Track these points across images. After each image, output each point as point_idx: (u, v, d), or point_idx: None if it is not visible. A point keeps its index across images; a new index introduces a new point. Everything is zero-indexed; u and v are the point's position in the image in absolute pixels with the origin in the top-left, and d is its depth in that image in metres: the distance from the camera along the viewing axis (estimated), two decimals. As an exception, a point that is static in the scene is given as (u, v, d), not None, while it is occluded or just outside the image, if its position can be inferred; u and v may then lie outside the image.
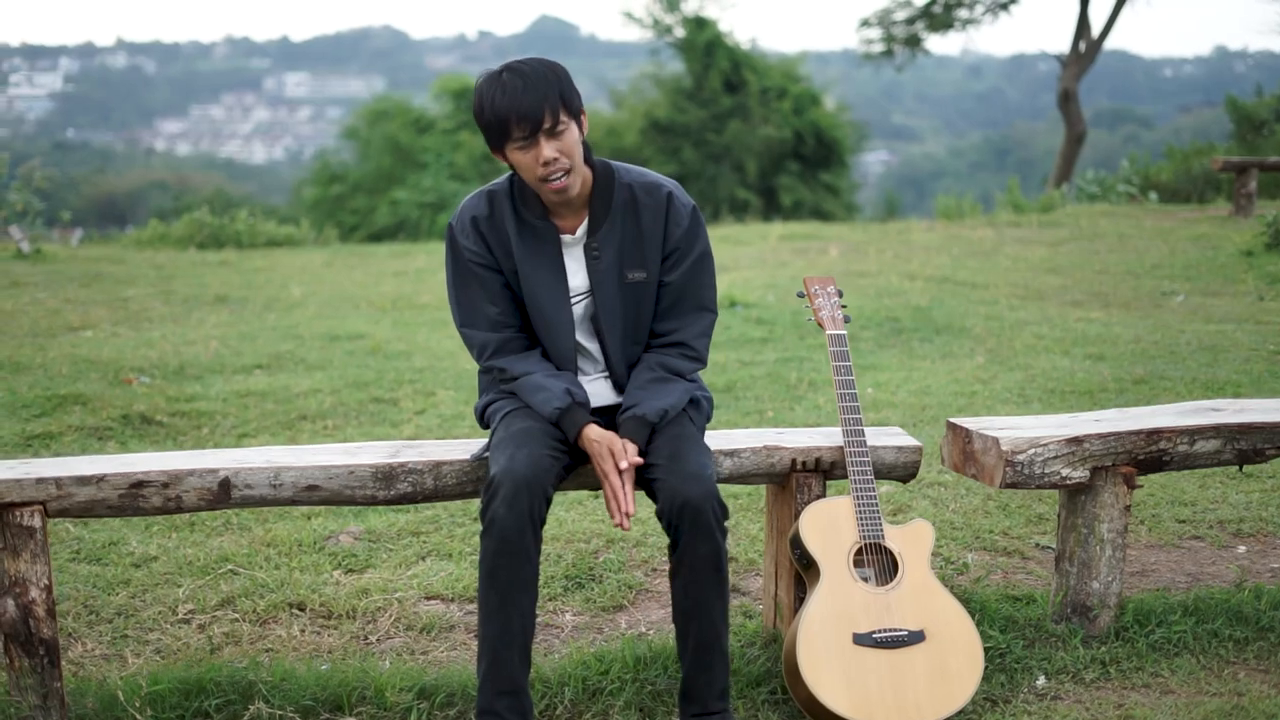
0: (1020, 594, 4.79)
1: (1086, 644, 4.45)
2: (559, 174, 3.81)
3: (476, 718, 3.76)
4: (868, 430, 4.49)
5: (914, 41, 27.20)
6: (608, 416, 4.08)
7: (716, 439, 4.32)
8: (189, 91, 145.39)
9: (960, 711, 4.00)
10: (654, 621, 4.76)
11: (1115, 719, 4.02)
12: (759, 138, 36.77)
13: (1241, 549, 5.44)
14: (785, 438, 4.37)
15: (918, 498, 5.94)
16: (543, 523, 3.79)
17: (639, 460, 3.86)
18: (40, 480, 3.86)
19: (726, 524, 3.86)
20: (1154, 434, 4.47)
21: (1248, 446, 4.59)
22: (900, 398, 7.55)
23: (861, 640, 3.98)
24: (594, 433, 3.89)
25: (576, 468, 4.04)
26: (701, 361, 4.13)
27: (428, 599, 4.99)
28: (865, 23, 27.11)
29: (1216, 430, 4.54)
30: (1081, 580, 4.52)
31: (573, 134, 3.82)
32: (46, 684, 3.90)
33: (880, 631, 3.99)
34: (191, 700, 3.99)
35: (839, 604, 4.02)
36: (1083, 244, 13.76)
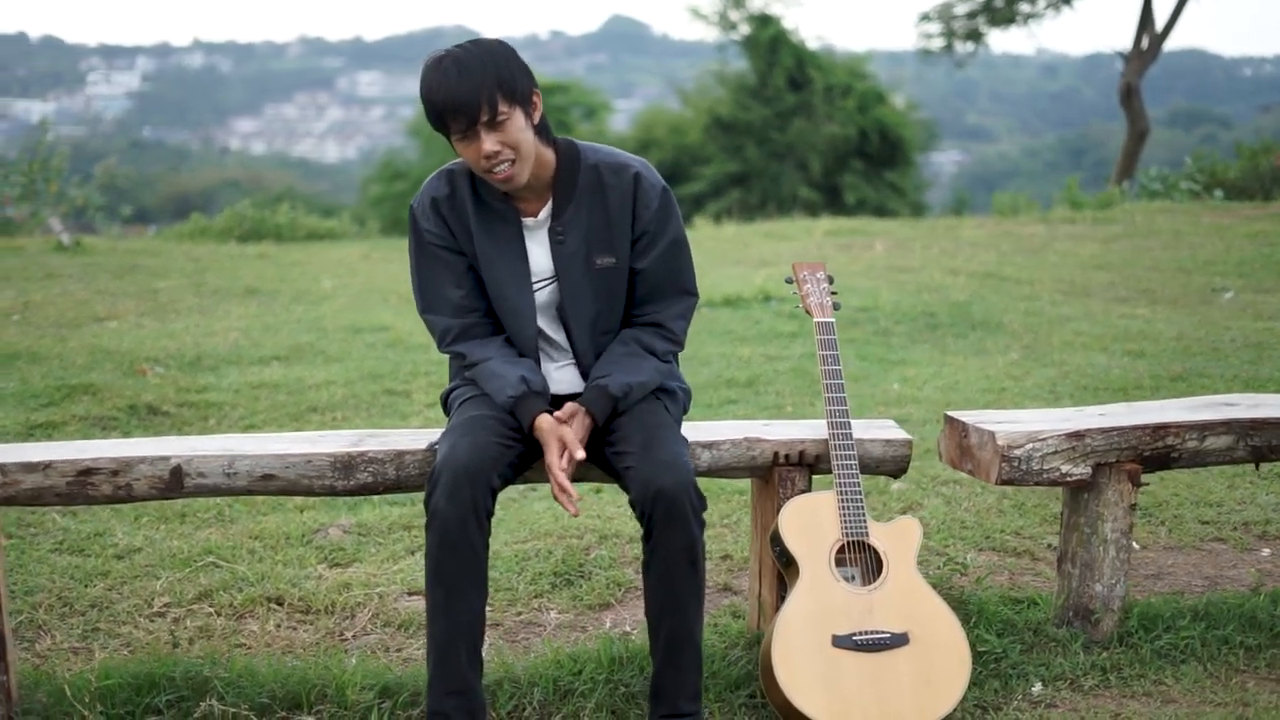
0: (1024, 596, 4.56)
1: (1088, 649, 4.23)
2: (502, 164, 3.63)
3: (428, 718, 3.60)
4: (857, 423, 4.29)
5: (975, 36, 26.83)
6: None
7: (695, 430, 4.14)
8: (263, 91, 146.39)
9: (946, 719, 3.79)
10: (640, 620, 4.57)
11: (1112, 729, 3.80)
12: (823, 135, 36.49)
13: (1266, 552, 5.20)
14: (768, 429, 4.18)
15: (930, 495, 5.73)
16: (489, 515, 3.61)
17: (582, 456, 3.68)
18: (-15, 467, 3.73)
19: (704, 515, 3.68)
20: (1160, 429, 4.24)
21: (1262, 443, 4.36)
22: (926, 394, 7.33)
23: (841, 643, 3.78)
24: (544, 423, 3.72)
25: (536, 458, 3.86)
26: (678, 344, 3.94)
27: (410, 594, 4.84)
28: (925, 17, 26.76)
29: (1227, 426, 4.31)
30: (1084, 582, 4.30)
31: (516, 122, 3.61)
32: (-8, 677, 3.77)
33: (861, 634, 3.79)
34: (143, 696, 3.85)
35: (818, 604, 3.83)
36: (1136, 240, 13.45)
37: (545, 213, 3.82)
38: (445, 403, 4.03)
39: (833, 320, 4.22)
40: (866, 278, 11.20)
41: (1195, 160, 19.04)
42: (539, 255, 3.83)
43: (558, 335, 3.91)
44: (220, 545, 5.21)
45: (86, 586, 4.85)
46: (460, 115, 3.55)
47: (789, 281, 4.38)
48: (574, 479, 3.97)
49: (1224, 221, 14.65)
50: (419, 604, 4.73)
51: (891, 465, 4.19)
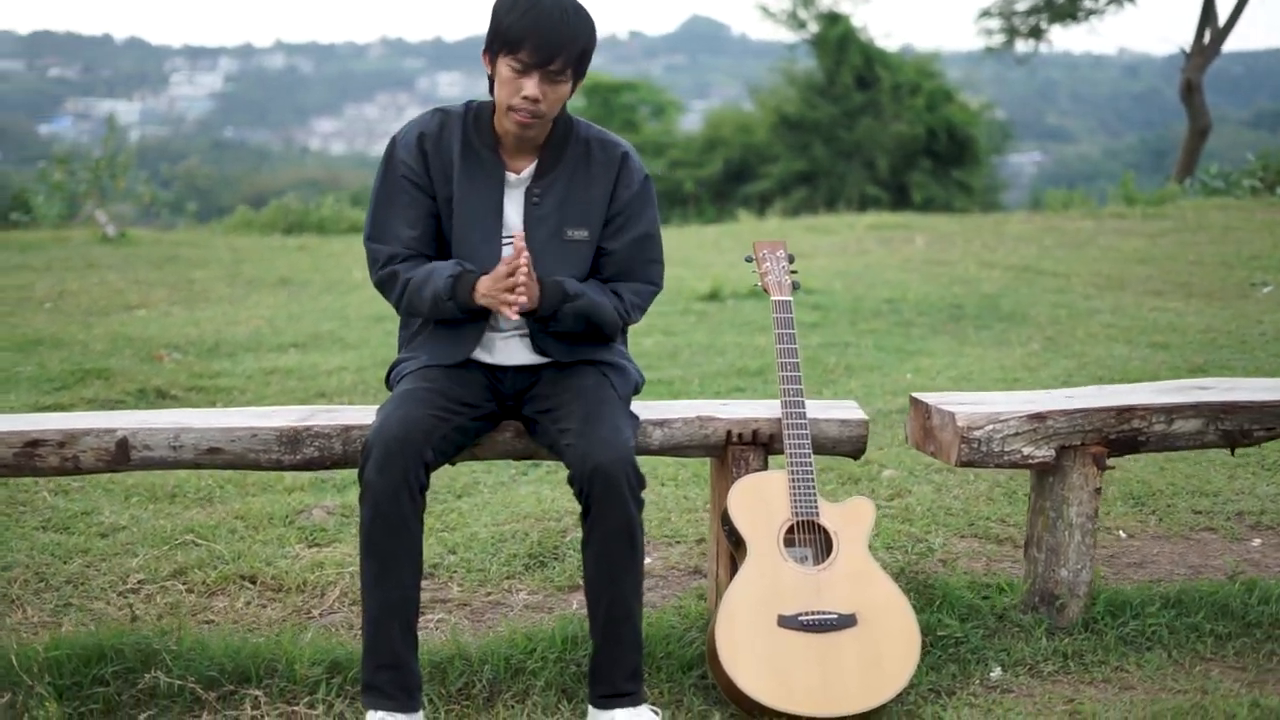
0: (996, 582, 4.49)
1: (1051, 635, 4.17)
2: (528, 112, 3.64)
3: (361, 693, 3.59)
4: (818, 403, 4.25)
5: (1036, 33, 26.56)
6: (523, 376, 3.88)
7: (648, 409, 4.11)
8: (344, 91, 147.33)
9: (894, 700, 3.74)
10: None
11: (1063, 714, 3.74)
12: (890, 134, 36.26)
13: (1256, 542, 5.10)
14: (721, 408, 4.14)
15: (921, 483, 5.67)
16: (422, 488, 3.59)
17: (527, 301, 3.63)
18: (-69, 437, 3.76)
19: (643, 494, 3.65)
20: (1125, 411, 4.17)
21: (1233, 427, 4.27)
22: (938, 383, 7.26)
23: (786, 623, 3.74)
24: (483, 285, 3.67)
25: (481, 431, 3.84)
26: (630, 317, 3.91)
27: (382, 574, 4.82)
28: (985, 13, 26.51)
29: (1196, 409, 4.23)
30: (1049, 567, 4.24)
31: (564, 90, 3.67)
32: (-58, 647, 3.80)
33: (807, 614, 3.75)
34: (91, 667, 3.85)
35: (765, 584, 3.79)
36: (1183, 235, 13.25)
37: (528, 172, 3.81)
38: (389, 379, 4.01)
39: (790, 299, 4.18)
40: (900, 271, 11.11)
41: (1260, 158, 18.72)
42: (512, 213, 3.82)
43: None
44: (203, 524, 5.23)
45: (65, 563, 4.88)
46: (540, 51, 3.57)
47: (748, 260, 4.35)
48: (519, 456, 3.96)
49: (1278, 217, 14.41)
50: (390, 584, 4.72)
51: (848, 445, 4.13)
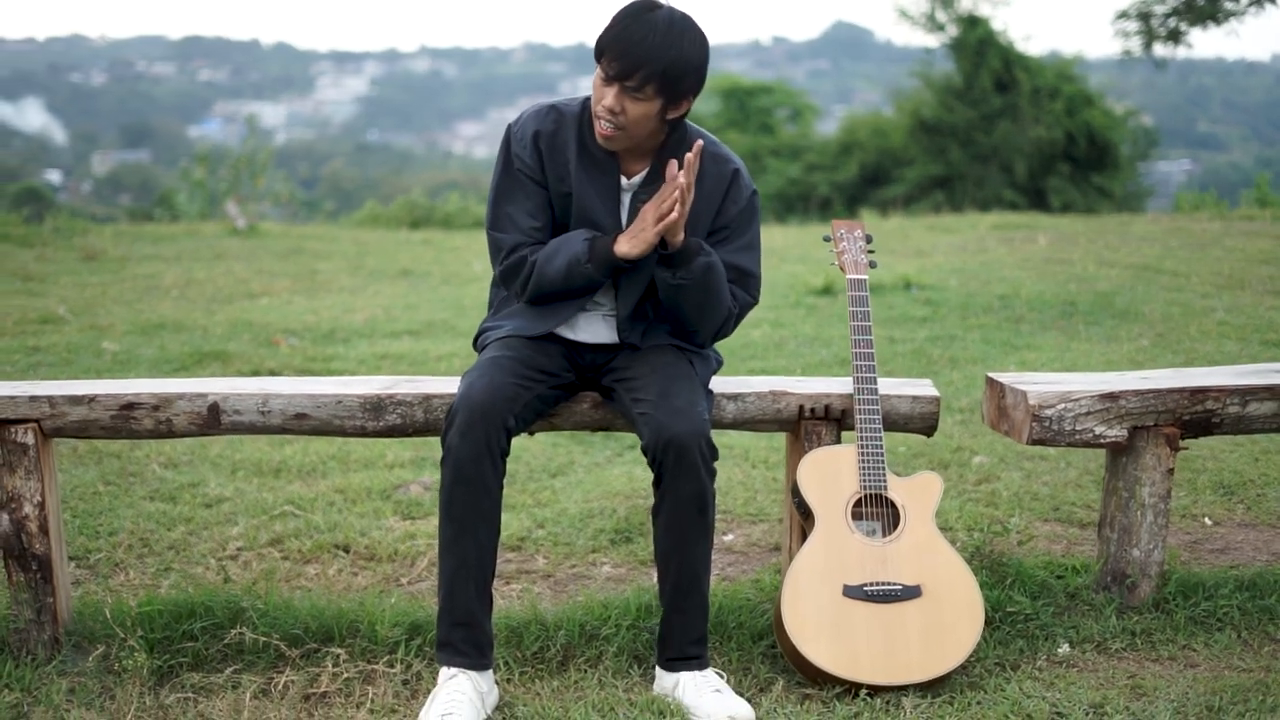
0: (1073, 563, 4.51)
1: (1121, 614, 4.19)
2: (610, 123, 3.71)
3: (436, 650, 3.71)
4: (892, 381, 4.31)
5: (1174, 36, 26.15)
6: (602, 353, 3.98)
7: (723, 384, 4.19)
8: (487, 95, 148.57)
9: (958, 671, 3.80)
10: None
11: (1124, 689, 3.77)
12: (1028, 138, 35.88)
13: (1346, 532, 5.06)
14: (795, 384, 4.21)
15: (1012, 469, 5.70)
16: (504, 454, 3.69)
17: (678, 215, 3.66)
18: (34, 399, 3.95)
19: (715, 465, 3.72)
20: (1199, 393, 4.18)
21: (1310, 410, 4.26)
22: (1040, 376, 7.25)
23: (851, 593, 3.81)
24: (623, 242, 3.76)
25: (560, 400, 3.95)
26: (733, 313, 3.96)
27: (470, 545, 4.95)
28: (1122, 15, 26.13)
29: (1271, 391, 4.22)
30: (1121, 547, 4.26)
31: (648, 108, 3.68)
32: (40, 599, 3.98)
33: (872, 585, 3.82)
34: (181, 622, 4.02)
35: (832, 555, 3.86)
36: (1316, 237, 13.03)
37: (639, 178, 3.87)
38: (475, 343, 4.12)
39: (865, 278, 4.23)
40: (1017, 268, 11.06)
41: None
42: (626, 216, 3.90)
43: (604, 294, 3.96)
44: (303, 497, 5.41)
45: (168, 530, 5.08)
46: (616, 63, 3.63)
47: (826, 240, 4.41)
48: (596, 426, 4.06)
49: None
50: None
51: (919, 422, 4.19)
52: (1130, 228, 14.17)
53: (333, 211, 22.63)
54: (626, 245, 3.74)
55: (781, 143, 38.53)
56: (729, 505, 5.36)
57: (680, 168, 3.69)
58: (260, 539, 4.99)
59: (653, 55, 3.61)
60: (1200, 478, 5.52)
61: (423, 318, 9.21)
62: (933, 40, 38.36)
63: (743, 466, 5.84)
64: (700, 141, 3.70)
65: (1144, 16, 25.62)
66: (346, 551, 4.92)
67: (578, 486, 5.59)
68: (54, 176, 71.29)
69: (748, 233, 3.96)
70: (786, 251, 12.79)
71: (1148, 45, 26.38)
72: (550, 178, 3.87)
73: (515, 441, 5.96)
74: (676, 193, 3.62)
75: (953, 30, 37.80)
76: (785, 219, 25.85)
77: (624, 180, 3.88)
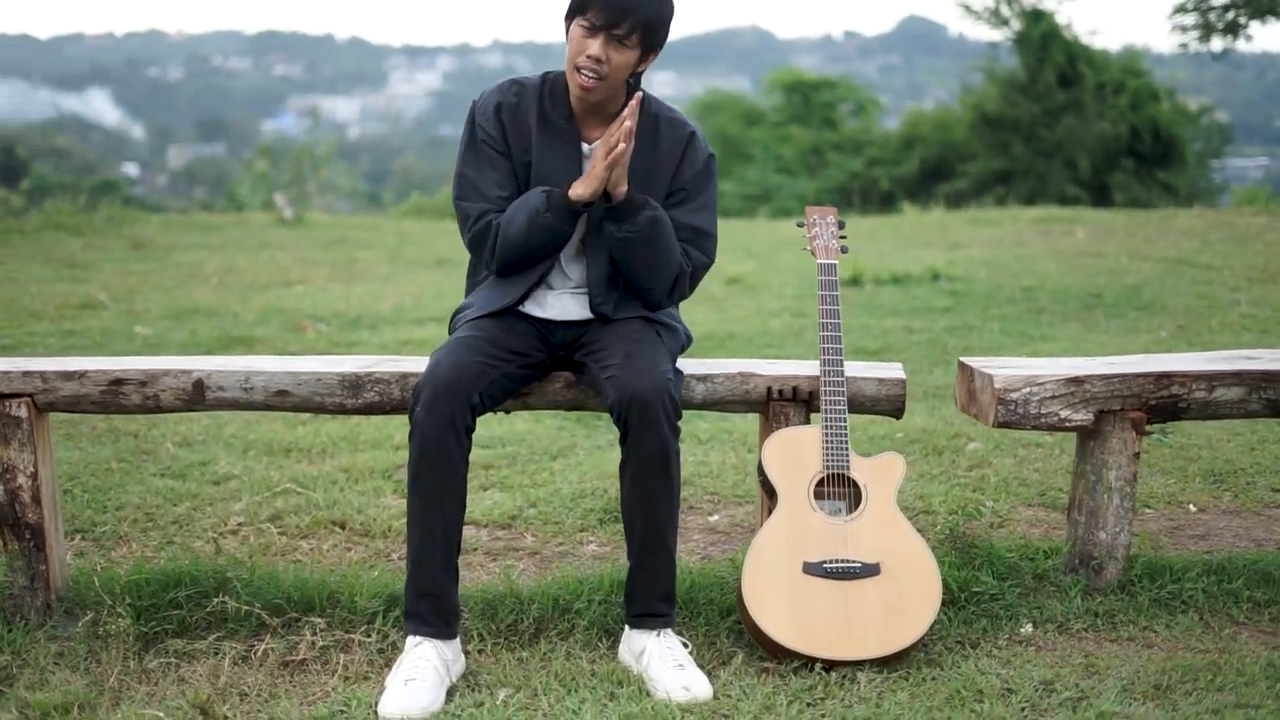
0: (1045, 546, 4.57)
1: (1087, 596, 4.25)
2: (593, 74, 3.86)
3: (404, 620, 3.83)
4: (862, 364, 4.39)
5: (1233, 28, 25.94)
6: (573, 329, 4.09)
7: (694, 365, 4.29)
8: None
9: (916, 649, 3.88)
10: (669, 555, 4.70)
11: (1077, 667, 3.83)
12: (1092, 133, 35.65)
13: (1330, 520, 5.10)
14: (763, 366, 4.31)
15: (1006, 456, 5.77)
16: (468, 430, 3.81)
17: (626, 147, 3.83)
18: (27, 374, 4.11)
19: (679, 423, 3.82)
20: (1164, 378, 4.24)
21: (1277, 396, 4.31)
22: (1052, 366, 7.30)
23: (811, 569, 3.90)
24: (577, 186, 3.91)
25: (531, 380, 4.06)
26: (685, 270, 4.07)
27: (465, 524, 5.07)
28: (1181, 8, 25.94)
29: (1237, 377, 4.28)
30: (1088, 530, 4.33)
31: (629, 56, 3.86)
32: (33, 567, 4.14)
33: (832, 561, 3.90)
34: (167, 591, 4.16)
35: (793, 532, 3.95)
36: (1357, 233, 12.98)
37: (599, 143, 3.97)
38: (450, 327, 4.24)
39: (835, 263, 4.31)
40: (1050, 261, 11.09)
41: None
42: None
43: (573, 271, 4.09)
44: (307, 475, 5.56)
45: (174, 505, 5.23)
46: (606, 12, 3.79)
47: (800, 225, 4.49)
48: (569, 406, 4.17)
49: None
50: (469, 532, 4.96)
51: (886, 404, 4.27)
52: (1173, 222, 14.15)
53: (392, 202, 22.81)
54: (580, 188, 3.89)
55: (843, 137, 38.48)
56: (718, 487, 5.46)
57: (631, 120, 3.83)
58: (261, 515, 5.13)
59: (639, 5, 3.79)
60: (1192, 466, 5.56)
61: (450, 305, 9.31)
62: (997, 35, 38.18)
63: (739, 450, 5.94)
64: (640, 92, 3.88)
65: (1202, 9, 25.51)
66: (343, 528, 5.05)
67: (576, 468, 5.70)
68: (131, 170, 72.22)
69: (704, 194, 4.08)
70: (824, 244, 12.80)
71: (1205, 38, 26.24)
72: (514, 148, 4.02)
73: (520, 423, 6.13)
74: (622, 129, 3.77)
75: (1016, 24, 37.60)
76: (844, 212, 25.82)
77: (585, 146, 4.02)
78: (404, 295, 9.80)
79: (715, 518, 5.15)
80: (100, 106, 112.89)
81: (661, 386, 3.76)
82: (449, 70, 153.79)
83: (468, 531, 4.97)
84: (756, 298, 9.85)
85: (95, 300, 9.21)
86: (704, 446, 6.09)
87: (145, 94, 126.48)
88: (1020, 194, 33.27)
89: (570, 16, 3.87)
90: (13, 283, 10.33)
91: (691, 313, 9.20)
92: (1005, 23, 37.91)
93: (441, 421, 3.75)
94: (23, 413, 4.09)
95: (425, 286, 10.29)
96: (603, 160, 3.83)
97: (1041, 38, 36.87)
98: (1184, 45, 26.02)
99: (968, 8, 38.26)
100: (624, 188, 3.88)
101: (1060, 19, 37.28)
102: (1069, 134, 36.03)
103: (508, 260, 4.01)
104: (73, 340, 7.89)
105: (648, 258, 3.96)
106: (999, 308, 8.97)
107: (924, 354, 7.63)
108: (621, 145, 3.79)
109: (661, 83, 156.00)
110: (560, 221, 3.91)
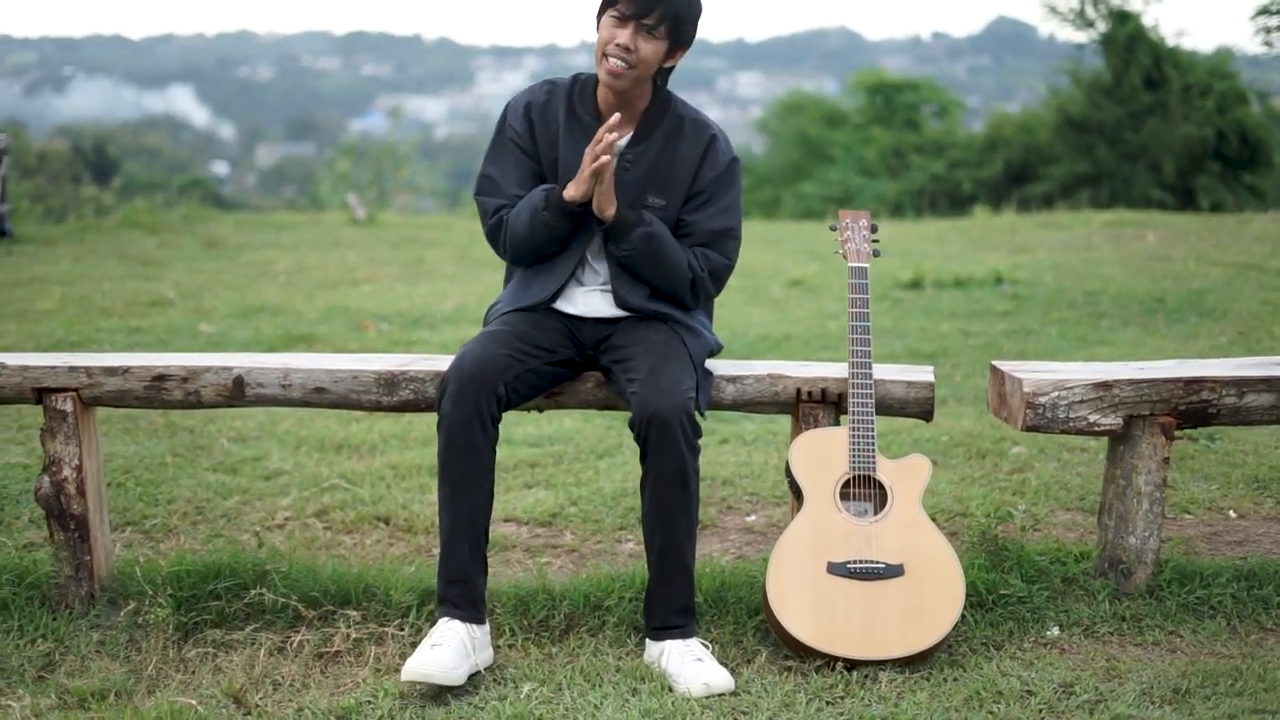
0: (1077, 550, 4.58)
1: (1115, 600, 4.26)
2: (622, 62, 3.95)
3: (436, 606, 3.91)
4: (892, 366, 4.43)
5: (1315, 28, 25.59)
6: (601, 327, 4.15)
7: (725, 367, 4.33)
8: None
9: (940, 649, 3.91)
10: (704, 554, 4.75)
11: (1099, 670, 3.85)
12: (1178, 136, 35.26)
13: (1373, 528, 5.06)
14: (793, 368, 4.35)
15: (1049, 460, 5.78)
16: (495, 420, 3.89)
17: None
18: (73, 369, 4.23)
19: (699, 443, 3.89)
20: (1194, 383, 4.24)
21: (1309, 404, 4.30)
22: (1107, 371, 7.28)
23: (835, 569, 3.94)
24: (570, 188, 3.99)
25: (560, 377, 4.13)
26: (700, 274, 4.13)
27: (505, 521, 5.16)
28: (1264, 10, 25.63)
29: (1268, 383, 4.27)
30: (1118, 534, 4.33)
31: (657, 48, 3.97)
32: (78, 557, 4.26)
33: (856, 562, 3.94)
34: (207, 582, 4.26)
35: (818, 532, 3.99)
36: None
37: (625, 141, 4.10)
38: (485, 320, 4.33)
39: (866, 266, 4.35)
40: (1117, 265, 11.03)
41: None
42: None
43: (600, 266, 4.17)
44: (355, 471, 5.66)
45: (224, 499, 5.35)
46: (636, 3, 3.92)
47: (833, 229, 4.53)
48: (600, 405, 4.24)
49: None
50: (509, 529, 5.07)
51: (915, 407, 4.30)
52: (1247, 227, 14.01)
53: (471, 203, 23.01)
54: (572, 189, 3.99)
55: (926, 139, 38.30)
56: (758, 488, 5.51)
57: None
58: (307, 509, 5.23)
59: None
60: (1235, 472, 5.55)
61: (512, 305, 9.44)
62: (1082, 36, 37.86)
63: (783, 451, 5.96)
64: (618, 115, 3.91)
65: (1282, 11, 25.19)
66: (387, 523, 5.14)
67: (620, 467, 5.76)
68: (220, 169, 73.03)
69: (724, 197, 4.14)
70: (889, 245, 12.82)
71: (1288, 39, 25.92)
72: (541, 145, 4.12)
73: (570, 421, 6.20)
74: (604, 140, 3.86)
75: (1102, 26, 37.27)
76: (924, 214, 25.68)
77: None
78: (468, 295, 9.90)
79: (753, 518, 5.20)
80: (189, 106, 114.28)
81: (681, 406, 3.83)
82: (536, 70, 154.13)
83: (508, 529, 5.07)
84: (817, 299, 9.88)
85: (164, 298, 9.38)
86: (749, 447, 6.14)
87: (235, 94, 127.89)
88: (1103, 198, 32.94)
89: (602, 10, 3.99)
90: (87, 280, 10.55)
91: (749, 314, 9.26)
92: (1090, 24, 37.57)
93: (467, 412, 3.84)
94: (68, 407, 4.20)
95: (490, 286, 10.36)
96: (589, 166, 3.91)
97: (1127, 39, 36.50)
98: (1268, 45, 25.74)
99: (1052, 9, 37.98)
100: (611, 210, 3.99)
101: (1147, 20, 36.94)
102: (1154, 137, 35.63)
103: (518, 254, 4.13)
104: (138, 337, 8.04)
105: (651, 270, 4.07)
106: (1059, 311, 8.94)
107: (977, 358, 7.63)
108: (605, 157, 3.87)
109: (747, 83, 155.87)
110: (556, 219, 4.01)
